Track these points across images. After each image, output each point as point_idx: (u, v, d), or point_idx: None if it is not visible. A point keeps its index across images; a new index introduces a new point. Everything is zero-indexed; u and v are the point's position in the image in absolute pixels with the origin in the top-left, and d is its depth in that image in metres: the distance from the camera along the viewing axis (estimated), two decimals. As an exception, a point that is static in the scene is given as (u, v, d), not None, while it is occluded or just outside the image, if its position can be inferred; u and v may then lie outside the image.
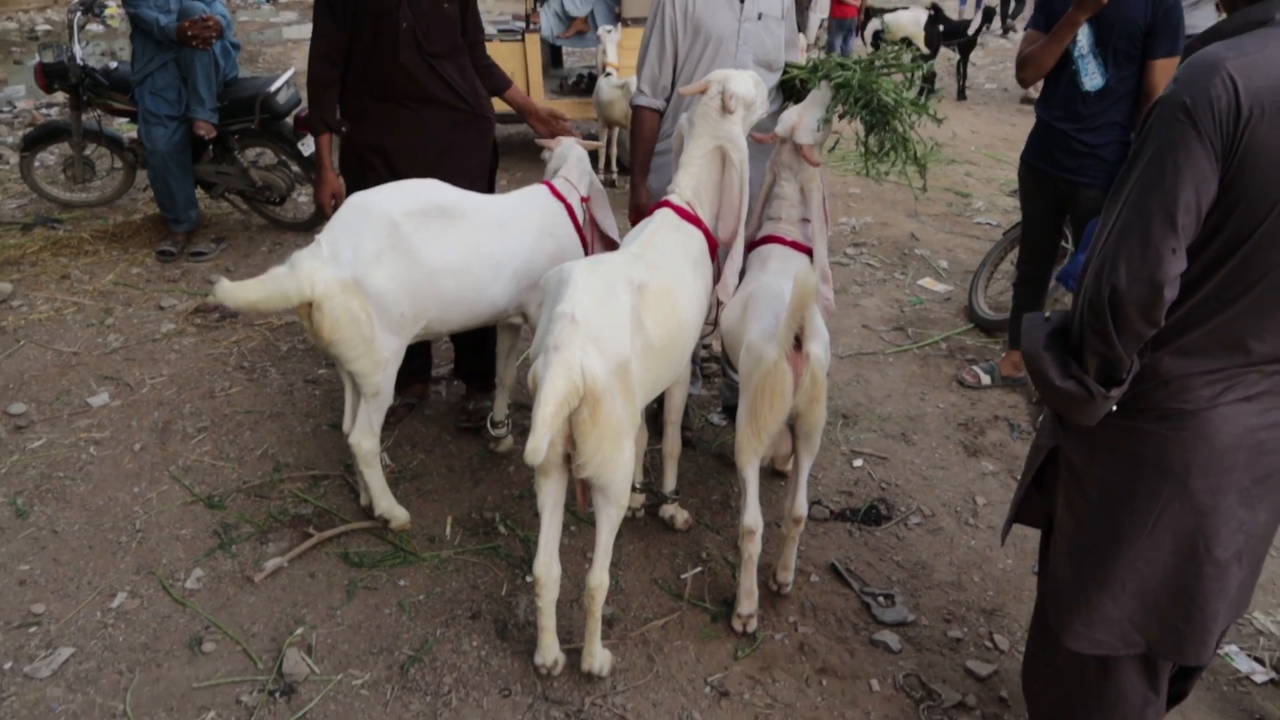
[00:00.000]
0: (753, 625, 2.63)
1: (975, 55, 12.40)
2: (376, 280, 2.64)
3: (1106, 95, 3.33)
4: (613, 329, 2.17)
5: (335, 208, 2.90)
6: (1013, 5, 16.82)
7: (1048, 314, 1.74)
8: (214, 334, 4.44)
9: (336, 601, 2.72)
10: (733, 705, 2.41)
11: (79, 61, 5.31)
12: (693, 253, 2.61)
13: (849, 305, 4.93)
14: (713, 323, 2.84)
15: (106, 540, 2.97)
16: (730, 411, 3.63)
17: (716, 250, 2.74)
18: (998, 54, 14.66)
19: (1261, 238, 1.50)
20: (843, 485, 3.38)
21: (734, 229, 2.68)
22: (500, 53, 6.31)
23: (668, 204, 2.64)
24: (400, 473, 3.36)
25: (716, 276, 2.75)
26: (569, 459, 2.21)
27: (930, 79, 2.98)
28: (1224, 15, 1.67)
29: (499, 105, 3.52)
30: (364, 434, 2.83)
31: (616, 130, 6.88)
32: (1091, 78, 3.35)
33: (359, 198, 2.74)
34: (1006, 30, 16.88)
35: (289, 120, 5.46)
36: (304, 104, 5.26)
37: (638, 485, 3.03)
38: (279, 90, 5.31)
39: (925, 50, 10.42)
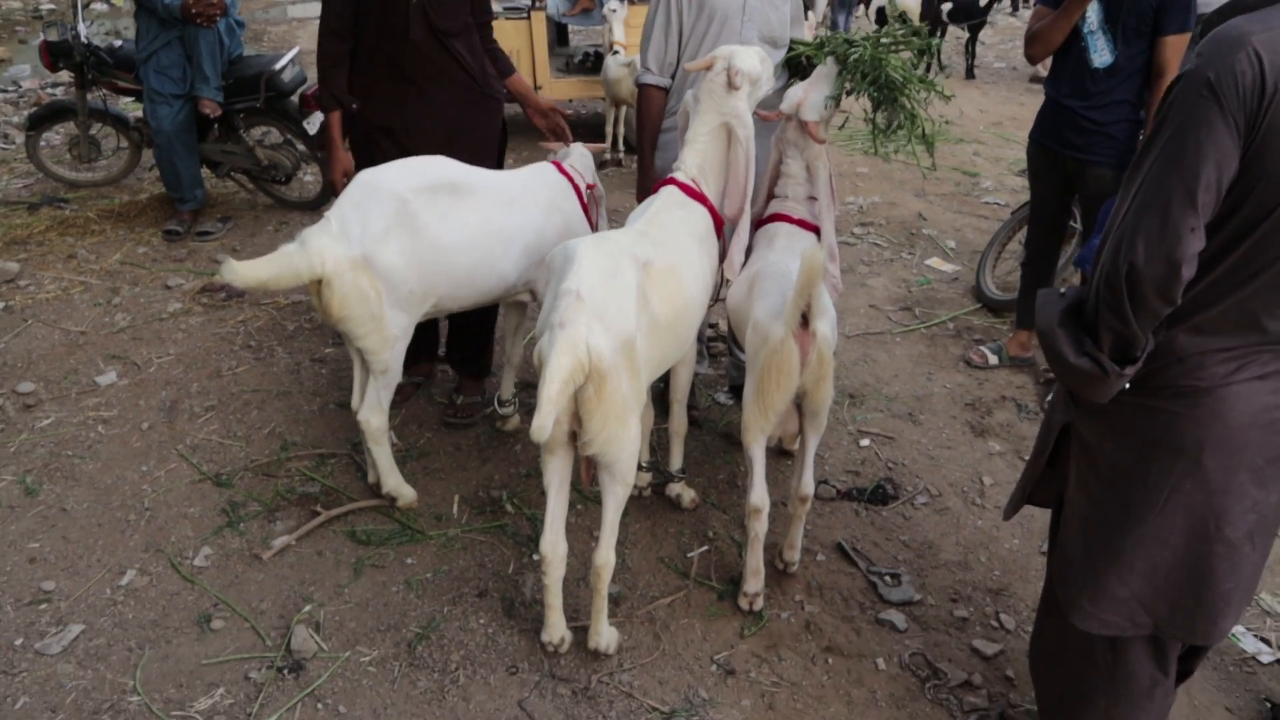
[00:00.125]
0: (759, 604, 2.63)
1: (984, 34, 12.26)
2: (385, 257, 2.63)
3: (1115, 72, 3.30)
4: (618, 306, 2.16)
5: (346, 185, 2.89)
6: (1024, -18, 16.65)
7: (1062, 289, 1.72)
8: (220, 313, 4.44)
9: (344, 579, 2.74)
10: (739, 683, 2.42)
11: (84, 40, 5.28)
12: (698, 230, 2.59)
13: (856, 285, 4.91)
14: (717, 298, 2.82)
15: (115, 518, 2.99)
16: (737, 391, 3.62)
17: (722, 228, 2.72)
18: (1007, 32, 14.51)
19: None
20: (849, 465, 3.37)
21: (740, 206, 2.65)
22: (506, 30, 6.26)
23: (673, 181, 2.62)
24: (407, 451, 3.36)
25: (722, 254, 2.73)
26: (575, 437, 2.20)
27: (924, 51, 2.95)
28: None
29: None
30: (373, 411, 2.83)
31: (624, 109, 6.83)
32: (1100, 54, 3.31)
33: (368, 175, 2.73)
34: (1016, 8, 16.70)
35: (294, 98, 5.43)
36: (309, 82, 5.25)
37: (644, 464, 3.03)
38: (284, 68, 5.27)
39: (917, 24, 10.27)
